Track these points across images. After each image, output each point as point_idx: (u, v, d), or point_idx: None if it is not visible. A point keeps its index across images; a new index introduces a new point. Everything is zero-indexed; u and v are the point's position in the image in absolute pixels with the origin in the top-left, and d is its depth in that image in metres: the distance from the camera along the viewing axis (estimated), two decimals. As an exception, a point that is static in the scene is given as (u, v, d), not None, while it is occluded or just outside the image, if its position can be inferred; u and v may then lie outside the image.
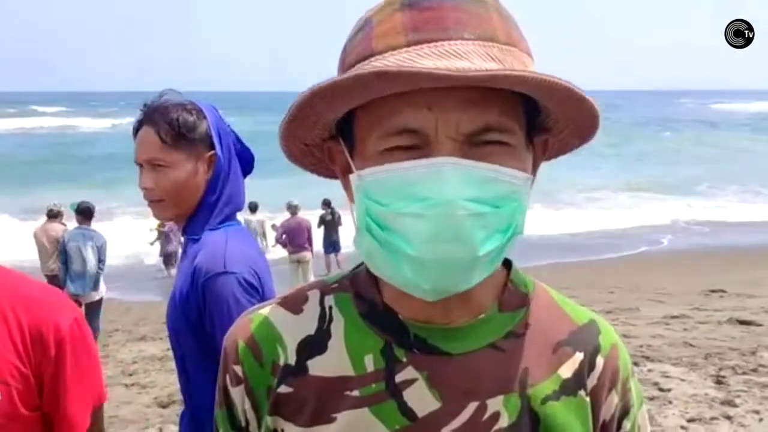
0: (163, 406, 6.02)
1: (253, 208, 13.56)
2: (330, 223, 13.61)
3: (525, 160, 0.83)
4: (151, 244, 14.49)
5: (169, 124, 1.87)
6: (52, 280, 8.51)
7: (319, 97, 0.79)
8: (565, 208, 22.11)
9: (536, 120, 0.85)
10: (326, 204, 13.74)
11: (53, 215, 9.50)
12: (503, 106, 0.78)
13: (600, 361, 0.92)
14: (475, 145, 0.78)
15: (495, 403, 0.86)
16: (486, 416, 0.85)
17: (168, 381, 6.66)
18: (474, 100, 0.77)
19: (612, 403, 0.92)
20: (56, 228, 9.32)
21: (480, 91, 0.76)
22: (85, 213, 8.32)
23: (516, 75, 0.74)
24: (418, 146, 0.78)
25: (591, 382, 0.91)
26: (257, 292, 1.76)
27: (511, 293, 0.92)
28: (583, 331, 0.94)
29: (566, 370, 0.90)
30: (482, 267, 0.81)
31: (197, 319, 1.75)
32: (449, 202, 0.75)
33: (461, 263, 0.78)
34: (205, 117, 1.91)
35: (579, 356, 0.91)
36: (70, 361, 1.36)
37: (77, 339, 1.37)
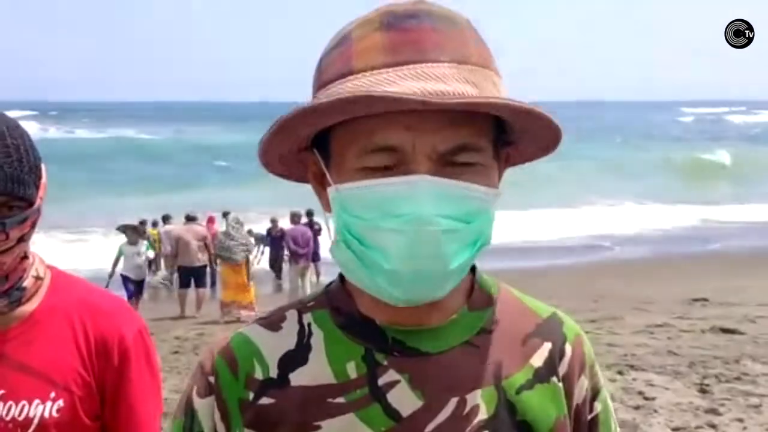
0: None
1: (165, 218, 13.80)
2: (312, 233, 13.62)
3: (493, 176, 0.88)
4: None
5: None
6: (200, 269, 12.11)
7: (299, 119, 0.82)
8: (549, 213, 22.20)
9: (502, 135, 0.90)
10: (308, 214, 13.83)
11: (192, 218, 12.83)
12: (476, 126, 0.83)
13: (568, 348, 0.97)
14: (448, 165, 0.82)
15: (474, 397, 0.90)
16: (466, 410, 0.89)
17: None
18: (449, 121, 0.81)
19: (583, 386, 0.97)
20: (198, 228, 12.68)
21: (455, 113, 0.81)
22: None
23: (489, 102, 0.80)
24: (396, 164, 0.82)
25: (562, 369, 0.96)
26: None
27: (477, 294, 0.97)
28: (548, 323, 0.99)
29: (537, 360, 0.95)
30: (453, 278, 0.86)
31: None
32: (424, 218, 0.80)
33: (434, 276, 0.83)
34: None
35: (547, 346, 0.96)
36: (134, 372, 1.37)
37: (141, 350, 1.39)
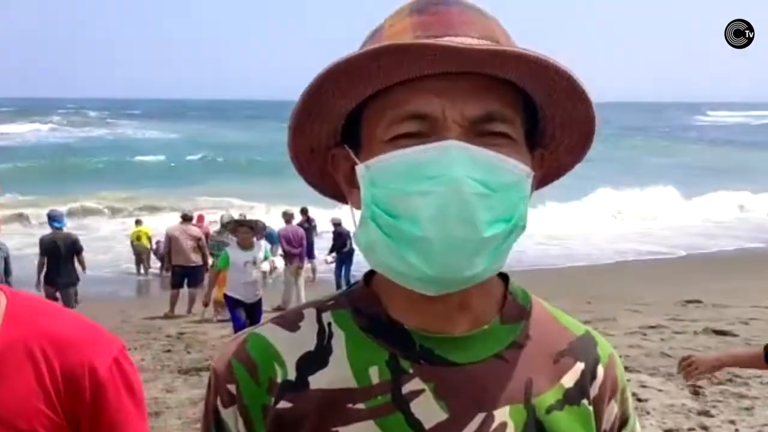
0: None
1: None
2: (307, 231, 13.66)
3: (526, 156, 0.86)
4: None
5: None
6: (194, 269, 11.75)
7: (332, 80, 0.81)
8: (543, 212, 22.22)
9: (535, 133, 0.89)
10: (303, 212, 14.03)
11: (188, 218, 12.36)
12: (505, 97, 0.83)
13: (600, 370, 0.94)
14: (479, 135, 0.81)
15: (501, 414, 0.86)
16: (493, 427, 0.85)
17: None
18: (479, 88, 0.82)
19: (612, 412, 0.94)
20: (193, 228, 12.19)
21: (485, 80, 0.81)
22: None
23: (528, 54, 0.78)
24: (425, 133, 0.81)
25: (593, 391, 0.92)
26: None
27: (510, 305, 0.93)
28: (581, 341, 0.95)
29: (568, 380, 0.91)
30: (487, 253, 0.81)
31: None
32: (456, 179, 0.78)
33: (467, 244, 0.79)
34: None
35: (580, 366, 0.92)
36: (112, 405, 1.23)
37: (118, 380, 1.24)
